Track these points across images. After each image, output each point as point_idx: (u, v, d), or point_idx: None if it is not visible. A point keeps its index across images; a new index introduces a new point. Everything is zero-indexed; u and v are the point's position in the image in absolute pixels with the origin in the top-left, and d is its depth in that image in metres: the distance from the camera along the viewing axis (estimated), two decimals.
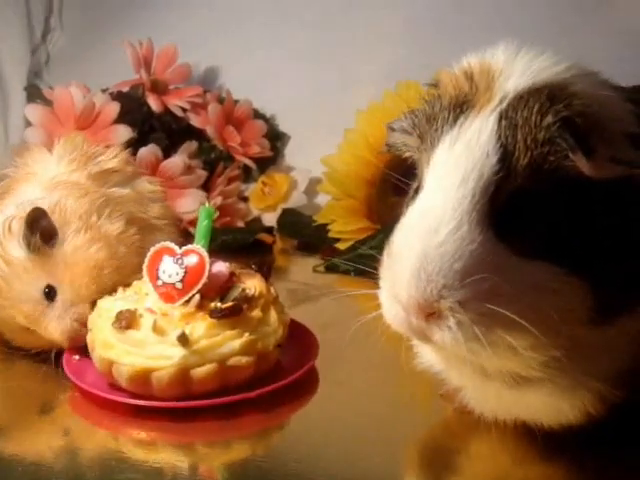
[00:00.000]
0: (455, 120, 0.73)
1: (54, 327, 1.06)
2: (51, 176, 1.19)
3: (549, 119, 0.69)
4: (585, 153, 0.67)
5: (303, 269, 1.60)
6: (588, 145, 0.67)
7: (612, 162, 0.67)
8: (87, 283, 1.09)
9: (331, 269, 1.55)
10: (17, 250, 1.07)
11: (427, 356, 0.89)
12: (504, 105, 0.71)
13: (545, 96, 0.70)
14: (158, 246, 1.03)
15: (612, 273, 0.71)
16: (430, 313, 0.70)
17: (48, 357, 1.07)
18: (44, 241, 1.07)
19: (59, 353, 1.08)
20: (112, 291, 1.08)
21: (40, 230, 1.07)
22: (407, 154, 0.82)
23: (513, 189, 0.69)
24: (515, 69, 0.74)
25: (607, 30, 1.58)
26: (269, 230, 1.82)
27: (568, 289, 0.69)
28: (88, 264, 1.09)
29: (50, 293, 1.07)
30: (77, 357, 1.07)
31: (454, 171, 0.70)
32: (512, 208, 0.69)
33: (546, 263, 0.69)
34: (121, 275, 1.12)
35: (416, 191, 0.77)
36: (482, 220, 0.69)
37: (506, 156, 0.69)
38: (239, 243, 1.71)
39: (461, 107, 0.74)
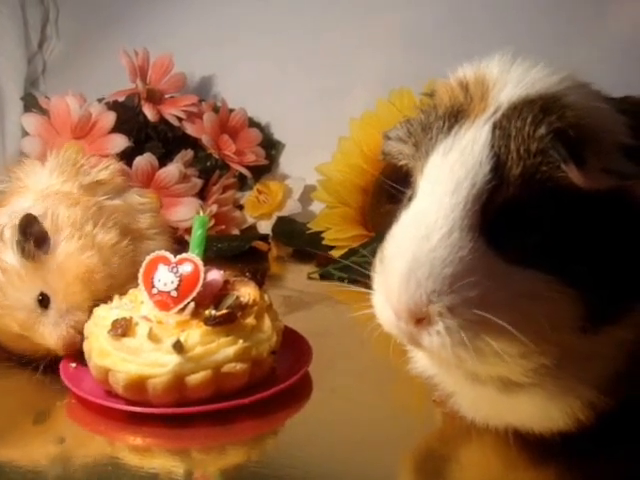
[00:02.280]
0: (450, 129, 0.74)
1: (49, 334, 1.07)
2: (43, 187, 1.20)
3: (542, 130, 0.69)
4: (577, 164, 0.67)
5: (298, 276, 1.61)
6: (580, 156, 0.67)
7: (604, 173, 0.68)
8: (80, 290, 1.09)
9: (325, 276, 1.55)
10: (11, 257, 1.07)
11: (421, 361, 0.89)
12: (498, 115, 0.72)
13: (538, 107, 0.71)
14: (153, 255, 1.03)
15: (602, 282, 0.71)
16: (420, 318, 0.70)
17: (43, 364, 1.08)
18: (37, 247, 1.08)
19: (53, 360, 1.08)
20: (106, 299, 1.08)
21: (33, 236, 1.07)
22: (402, 162, 0.82)
23: (505, 198, 0.70)
24: (509, 80, 0.75)
25: (602, 40, 1.59)
26: (264, 238, 1.83)
27: (558, 297, 0.69)
28: (79, 270, 1.10)
29: (43, 301, 1.07)
30: (74, 365, 1.07)
31: (447, 179, 0.71)
32: (503, 216, 0.70)
33: (537, 271, 0.69)
34: (114, 284, 1.12)
35: (410, 199, 0.77)
36: (474, 228, 0.69)
37: (499, 165, 0.70)
38: (234, 251, 1.72)
39: (456, 117, 0.75)
